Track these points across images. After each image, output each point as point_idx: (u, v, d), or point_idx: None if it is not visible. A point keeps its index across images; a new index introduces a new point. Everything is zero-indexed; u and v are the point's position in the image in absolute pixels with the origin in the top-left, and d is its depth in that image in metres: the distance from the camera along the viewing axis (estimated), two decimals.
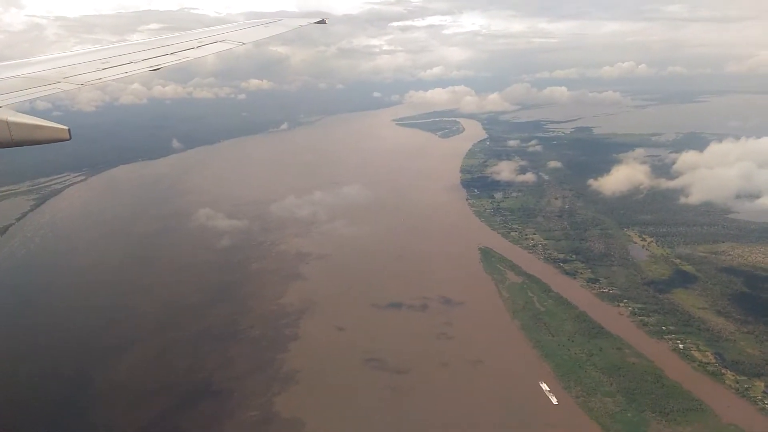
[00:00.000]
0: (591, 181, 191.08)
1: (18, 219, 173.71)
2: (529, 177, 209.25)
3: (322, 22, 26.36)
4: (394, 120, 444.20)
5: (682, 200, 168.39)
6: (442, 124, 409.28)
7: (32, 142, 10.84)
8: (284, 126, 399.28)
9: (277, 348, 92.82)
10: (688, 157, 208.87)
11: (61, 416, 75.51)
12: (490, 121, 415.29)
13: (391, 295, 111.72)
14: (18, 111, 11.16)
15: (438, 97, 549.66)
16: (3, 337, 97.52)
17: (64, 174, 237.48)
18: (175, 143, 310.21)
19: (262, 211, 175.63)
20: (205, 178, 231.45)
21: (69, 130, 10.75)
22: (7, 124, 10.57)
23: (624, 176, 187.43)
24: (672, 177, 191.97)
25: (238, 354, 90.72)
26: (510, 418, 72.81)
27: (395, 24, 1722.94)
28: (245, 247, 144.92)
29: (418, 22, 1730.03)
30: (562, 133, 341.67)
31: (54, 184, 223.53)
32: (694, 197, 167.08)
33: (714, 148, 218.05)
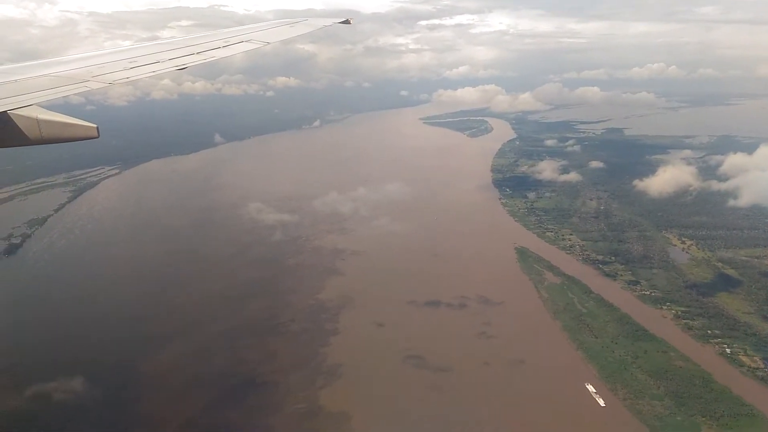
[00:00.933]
0: (636, 182, 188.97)
1: (56, 210, 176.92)
2: (562, 177, 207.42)
3: (347, 22, 26.28)
4: (421, 119, 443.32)
5: (731, 203, 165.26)
6: (470, 123, 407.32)
7: (61, 140, 10.98)
8: (317, 123, 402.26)
9: (318, 342, 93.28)
10: (735, 160, 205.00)
11: (106, 408, 76.06)
12: (518, 120, 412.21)
13: (428, 293, 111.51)
14: (48, 109, 11.27)
15: (468, 96, 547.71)
16: (45, 328, 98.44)
17: (99, 167, 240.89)
18: (206, 139, 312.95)
19: (295, 207, 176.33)
20: (237, 174, 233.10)
21: (97, 128, 10.84)
22: (37, 121, 10.73)
23: (670, 177, 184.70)
24: (718, 179, 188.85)
25: (280, 347, 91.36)
26: (557, 418, 72.21)
27: (423, 23, 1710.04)
28: (280, 242, 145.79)
29: (446, 21, 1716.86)
30: (593, 133, 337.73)
31: (89, 176, 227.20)
32: (744, 200, 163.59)
33: (764, 151, 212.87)
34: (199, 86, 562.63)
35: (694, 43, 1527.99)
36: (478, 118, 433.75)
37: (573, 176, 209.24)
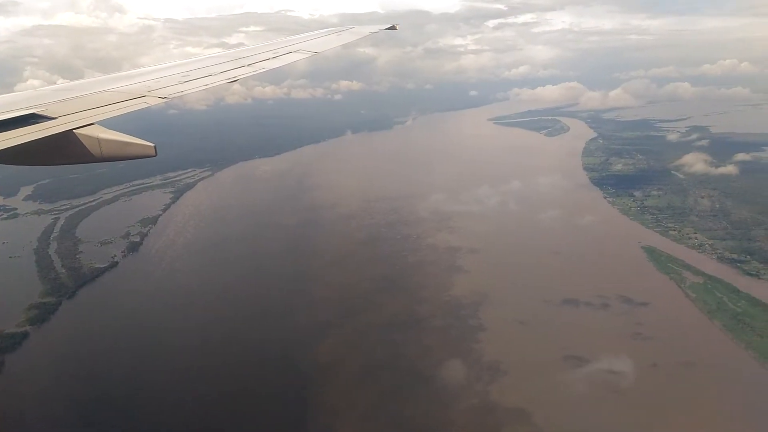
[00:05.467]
0: None
1: (163, 210, 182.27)
2: (664, 175, 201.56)
3: (393, 28, 26.03)
4: (490, 119, 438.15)
5: None
6: (543, 122, 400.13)
7: (121, 158, 11.23)
8: (409, 122, 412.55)
9: (467, 338, 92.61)
10: None
11: (279, 399, 77.00)
12: (592, 119, 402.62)
13: (562, 292, 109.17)
14: (108, 127, 11.53)
15: (548, 94, 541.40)
16: (198, 325, 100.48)
17: (190, 169, 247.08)
18: (286, 141, 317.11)
19: (395, 207, 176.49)
20: (326, 174, 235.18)
21: (155, 147, 11.05)
22: (98, 140, 11.04)
23: None
24: None
25: (433, 342, 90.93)
26: (762, 420, 69.14)
27: (491, 22, 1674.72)
28: (392, 240, 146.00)
29: (511, 20, 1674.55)
30: (678, 131, 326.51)
31: (184, 178, 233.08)
32: None
33: None
34: (269, 91, 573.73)
35: (766, 38, 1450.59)
36: (548, 117, 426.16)
37: (674, 174, 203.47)
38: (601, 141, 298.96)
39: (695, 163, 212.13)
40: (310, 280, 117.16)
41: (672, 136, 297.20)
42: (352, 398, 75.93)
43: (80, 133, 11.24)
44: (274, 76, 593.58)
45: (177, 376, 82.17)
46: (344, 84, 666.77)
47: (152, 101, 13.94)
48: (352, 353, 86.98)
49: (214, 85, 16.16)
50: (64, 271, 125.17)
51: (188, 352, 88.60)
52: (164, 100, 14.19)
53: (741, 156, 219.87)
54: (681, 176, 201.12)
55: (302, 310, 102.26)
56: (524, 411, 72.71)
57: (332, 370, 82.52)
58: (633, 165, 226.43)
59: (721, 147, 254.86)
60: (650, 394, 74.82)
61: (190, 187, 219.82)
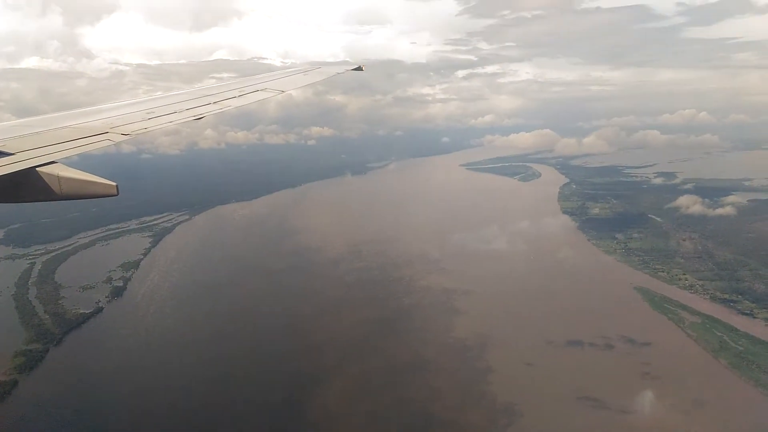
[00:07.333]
0: None
1: (144, 254, 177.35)
2: (642, 218, 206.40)
3: (359, 68, 26.50)
4: (462, 165, 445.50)
5: None
6: (514, 168, 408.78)
7: (81, 197, 10.87)
8: (392, 166, 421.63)
9: (478, 380, 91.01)
10: None
11: None
12: (562, 166, 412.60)
13: (564, 333, 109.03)
14: (69, 164, 11.17)
15: (522, 141, 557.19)
16: (197, 375, 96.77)
17: (166, 213, 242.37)
18: (262, 185, 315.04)
19: (380, 250, 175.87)
20: (307, 218, 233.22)
21: (117, 186, 10.72)
22: (59, 179, 10.68)
23: None
24: None
25: (442, 385, 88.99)
26: None
27: (461, 73, 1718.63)
28: (384, 282, 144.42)
29: (480, 70, 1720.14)
30: (646, 177, 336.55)
31: (161, 222, 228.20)
32: None
33: None
34: (241, 136, 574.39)
35: (723, 89, 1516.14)
36: (519, 163, 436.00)
37: (652, 218, 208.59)
38: (574, 186, 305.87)
39: (691, 205, 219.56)
40: (307, 325, 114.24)
41: (655, 181, 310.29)
42: None
43: (41, 171, 10.67)
44: (245, 122, 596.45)
45: (177, 429, 78.09)
46: (316, 130, 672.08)
47: (115, 138, 13.34)
48: (361, 398, 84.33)
49: (180, 121, 15.63)
50: (47, 317, 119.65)
51: (189, 404, 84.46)
52: (127, 137, 13.58)
53: (732, 198, 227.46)
54: (659, 220, 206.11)
55: (302, 356, 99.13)
56: None
57: (343, 416, 79.74)
58: (610, 209, 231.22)
59: (696, 192, 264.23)
60: None
61: (168, 231, 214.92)
